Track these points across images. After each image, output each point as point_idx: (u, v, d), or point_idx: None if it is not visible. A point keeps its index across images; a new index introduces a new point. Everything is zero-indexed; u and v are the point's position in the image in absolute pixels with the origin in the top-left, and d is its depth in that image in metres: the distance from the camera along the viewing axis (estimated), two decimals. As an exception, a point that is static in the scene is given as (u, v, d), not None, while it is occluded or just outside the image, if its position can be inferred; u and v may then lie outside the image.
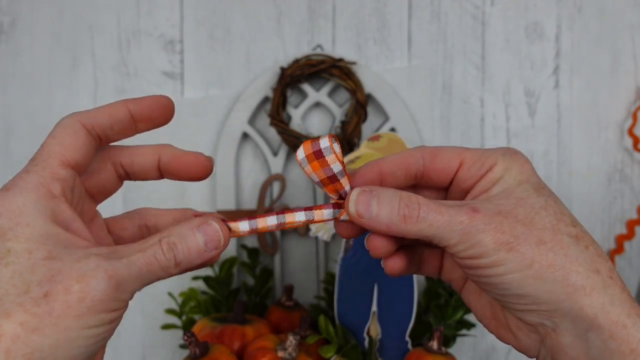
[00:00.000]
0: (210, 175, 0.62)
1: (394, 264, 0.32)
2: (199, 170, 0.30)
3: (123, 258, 0.25)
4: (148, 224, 0.31)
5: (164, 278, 0.26)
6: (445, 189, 0.31)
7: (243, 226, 0.29)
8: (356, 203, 0.28)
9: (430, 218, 0.27)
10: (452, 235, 0.27)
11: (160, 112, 0.30)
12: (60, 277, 0.23)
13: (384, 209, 0.28)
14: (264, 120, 0.59)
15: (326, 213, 0.29)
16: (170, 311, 0.54)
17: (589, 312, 0.26)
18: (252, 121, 0.59)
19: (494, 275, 0.27)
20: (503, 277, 0.27)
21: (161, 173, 0.30)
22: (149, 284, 0.26)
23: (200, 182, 0.59)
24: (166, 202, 0.59)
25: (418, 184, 0.31)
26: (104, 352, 0.27)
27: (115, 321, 0.25)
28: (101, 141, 0.28)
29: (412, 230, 0.27)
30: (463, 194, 0.30)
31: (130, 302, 0.26)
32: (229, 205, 0.58)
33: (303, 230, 0.56)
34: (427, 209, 0.27)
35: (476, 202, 0.28)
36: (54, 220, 0.25)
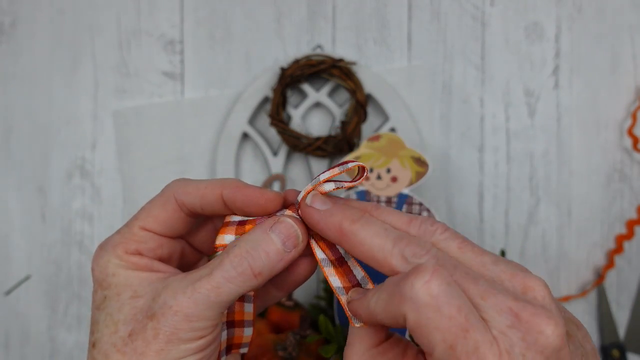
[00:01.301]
0: (210, 176, 0.61)
1: None
2: (265, 203, 0.27)
3: (188, 288, 0.25)
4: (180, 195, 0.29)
5: (247, 292, 0.26)
6: None
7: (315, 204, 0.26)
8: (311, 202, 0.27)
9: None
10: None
11: (254, 208, 0.27)
12: (140, 316, 0.25)
13: (327, 230, 0.26)
14: (264, 120, 0.59)
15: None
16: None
17: None
18: (252, 121, 0.59)
19: None
20: None
21: (228, 207, 0.28)
22: (228, 304, 0.26)
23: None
24: (166, 202, 0.59)
25: None
26: None
27: (205, 349, 0.26)
28: (193, 214, 0.29)
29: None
30: None
31: None
32: (229, 205, 0.58)
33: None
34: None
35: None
36: (134, 269, 0.27)
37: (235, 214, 0.28)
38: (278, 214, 0.27)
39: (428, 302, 0.21)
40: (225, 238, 0.28)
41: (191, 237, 0.31)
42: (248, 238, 0.26)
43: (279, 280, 0.29)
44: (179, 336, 0.24)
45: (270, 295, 0.31)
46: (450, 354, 0.20)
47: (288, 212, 0.27)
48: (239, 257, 0.25)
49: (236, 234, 0.27)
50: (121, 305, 0.26)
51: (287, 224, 0.26)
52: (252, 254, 0.25)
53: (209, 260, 0.28)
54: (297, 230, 0.26)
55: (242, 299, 0.29)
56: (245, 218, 0.28)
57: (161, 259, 0.28)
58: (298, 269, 0.29)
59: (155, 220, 0.28)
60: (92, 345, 0.26)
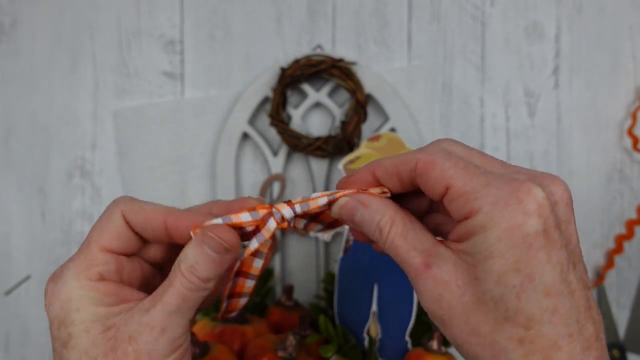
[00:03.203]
0: (210, 176, 0.61)
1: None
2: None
3: (157, 304, 0.26)
4: (168, 225, 0.29)
5: (205, 296, 0.27)
6: None
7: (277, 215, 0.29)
8: (339, 213, 0.29)
9: (390, 252, 0.27)
10: (405, 270, 0.27)
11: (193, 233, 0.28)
12: (117, 344, 0.26)
13: (364, 224, 0.28)
14: (264, 120, 0.59)
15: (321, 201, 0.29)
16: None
17: None
18: (252, 121, 0.59)
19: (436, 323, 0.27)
20: (440, 329, 0.27)
21: (171, 237, 0.29)
22: (196, 308, 0.27)
23: (200, 182, 0.59)
24: (166, 202, 0.59)
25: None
26: None
27: (180, 350, 0.27)
28: (142, 238, 0.29)
29: (381, 248, 0.28)
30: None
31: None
32: (229, 205, 0.58)
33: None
34: (390, 242, 0.27)
35: (437, 256, 0.26)
36: (99, 304, 0.27)
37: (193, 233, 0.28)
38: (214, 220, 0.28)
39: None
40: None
41: (145, 254, 0.31)
42: (187, 253, 0.27)
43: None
44: (160, 352, 0.26)
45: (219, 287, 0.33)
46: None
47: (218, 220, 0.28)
48: (187, 271, 0.26)
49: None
50: (94, 340, 0.26)
51: (212, 238, 0.27)
52: (195, 267, 0.27)
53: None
54: (221, 240, 0.27)
55: (254, 254, 0.30)
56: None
57: (124, 282, 0.29)
58: None
59: (111, 237, 0.28)
60: (62, 346, 0.26)
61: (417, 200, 0.30)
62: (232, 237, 0.28)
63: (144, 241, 0.30)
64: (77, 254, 0.28)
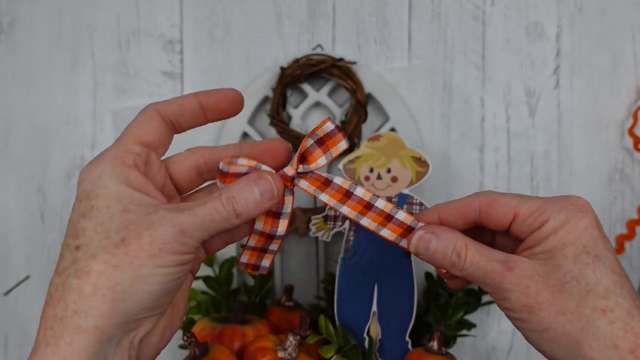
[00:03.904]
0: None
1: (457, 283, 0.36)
2: (229, 103, 0.33)
3: (186, 210, 0.29)
4: (206, 159, 0.34)
5: (228, 228, 0.30)
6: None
7: (302, 183, 0.33)
8: (416, 245, 0.33)
9: (471, 270, 0.31)
10: (487, 286, 0.31)
11: (228, 104, 0.33)
12: (134, 226, 0.28)
13: (439, 253, 0.32)
14: (263, 120, 0.59)
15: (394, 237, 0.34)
16: (170, 311, 0.54)
17: None
18: (252, 121, 0.59)
19: (518, 327, 0.31)
20: (525, 331, 0.31)
21: (205, 111, 0.33)
22: (213, 233, 0.30)
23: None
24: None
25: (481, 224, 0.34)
26: (185, 301, 0.33)
27: (185, 264, 0.29)
28: (175, 127, 0.33)
29: (459, 274, 0.32)
30: (518, 242, 0.32)
31: None
32: (229, 205, 0.58)
33: (303, 230, 0.56)
34: (470, 260, 0.31)
35: (514, 261, 0.31)
36: (127, 184, 0.29)
37: (223, 163, 0.32)
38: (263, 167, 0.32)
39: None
40: (218, 184, 0.33)
41: (173, 170, 0.34)
42: (235, 187, 0.30)
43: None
44: (171, 247, 0.28)
45: (239, 232, 0.36)
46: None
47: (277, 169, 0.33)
48: (226, 200, 0.29)
49: (220, 182, 0.32)
50: (112, 216, 0.28)
51: (267, 180, 0.30)
52: (236, 199, 0.29)
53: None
54: (274, 187, 0.31)
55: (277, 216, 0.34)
56: (233, 170, 0.32)
57: (153, 184, 0.31)
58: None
59: (146, 130, 0.32)
60: (76, 248, 0.28)
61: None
62: (280, 188, 0.31)
63: (174, 133, 0.34)
64: (114, 144, 0.31)
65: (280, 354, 0.45)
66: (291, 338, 0.45)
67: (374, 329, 0.50)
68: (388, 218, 0.34)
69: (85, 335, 0.27)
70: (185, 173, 0.34)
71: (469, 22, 0.59)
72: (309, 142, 0.33)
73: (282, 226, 0.35)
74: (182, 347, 0.57)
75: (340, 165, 0.51)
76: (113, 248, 0.27)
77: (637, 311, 0.29)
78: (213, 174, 0.34)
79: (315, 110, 0.59)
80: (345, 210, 0.34)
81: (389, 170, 0.50)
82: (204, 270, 0.57)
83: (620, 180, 0.59)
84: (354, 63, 0.57)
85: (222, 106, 0.33)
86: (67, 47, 0.60)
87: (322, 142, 0.33)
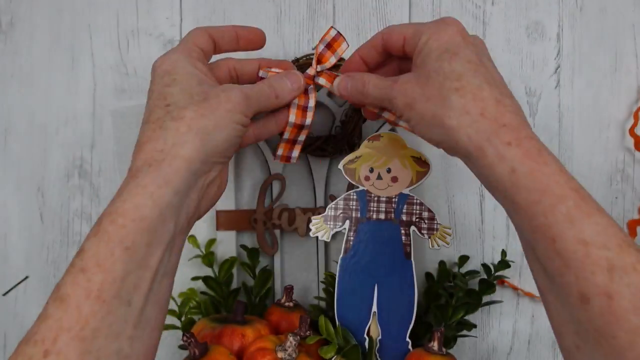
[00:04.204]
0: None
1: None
2: (257, 36, 0.45)
3: (245, 88, 0.39)
4: (236, 67, 0.44)
5: (269, 107, 0.42)
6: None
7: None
8: (337, 86, 0.44)
9: (372, 91, 0.41)
10: (384, 101, 0.40)
11: (256, 37, 0.44)
12: (211, 92, 0.37)
13: (352, 88, 0.43)
14: (263, 119, 0.59)
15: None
16: (169, 312, 0.54)
17: (460, 144, 0.35)
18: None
19: (410, 127, 0.39)
20: (413, 127, 0.38)
21: (239, 43, 0.44)
22: (262, 107, 0.41)
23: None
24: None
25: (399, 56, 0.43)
26: (227, 175, 0.42)
27: (245, 127, 0.39)
28: (215, 46, 0.43)
29: (367, 100, 0.42)
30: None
31: None
32: (229, 205, 0.57)
33: (303, 230, 0.56)
34: (368, 85, 0.41)
35: (400, 77, 0.39)
36: (197, 69, 0.39)
37: (262, 71, 0.45)
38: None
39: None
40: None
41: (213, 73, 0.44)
42: (274, 78, 0.43)
43: (279, 116, 0.45)
44: (240, 108, 0.38)
45: (269, 127, 0.45)
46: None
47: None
48: (268, 85, 0.42)
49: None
50: (191, 86, 0.37)
51: (295, 74, 0.44)
52: (274, 85, 0.42)
53: None
54: (300, 79, 0.44)
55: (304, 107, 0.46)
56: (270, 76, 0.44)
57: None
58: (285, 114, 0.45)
59: (202, 41, 0.41)
60: (166, 105, 0.36)
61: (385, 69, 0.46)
62: (303, 82, 0.44)
63: (213, 53, 0.43)
64: (179, 46, 0.40)
65: (280, 355, 0.45)
66: (291, 338, 0.45)
67: (374, 329, 0.50)
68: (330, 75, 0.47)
69: (181, 161, 0.34)
70: (222, 74, 0.44)
71: (470, 21, 0.59)
72: (320, 47, 0.45)
73: (309, 118, 0.46)
74: (181, 347, 0.56)
75: (340, 166, 0.51)
76: (198, 102, 0.36)
77: (487, 85, 0.35)
78: (240, 79, 0.45)
79: (315, 110, 0.59)
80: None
81: (389, 170, 0.50)
82: (204, 271, 0.57)
83: (621, 180, 0.59)
84: (354, 63, 0.56)
85: (252, 38, 0.44)
86: (66, 47, 0.60)
87: (330, 45, 0.45)
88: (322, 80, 0.46)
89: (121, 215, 0.31)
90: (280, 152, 0.49)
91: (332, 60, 0.46)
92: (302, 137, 0.48)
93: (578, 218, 0.31)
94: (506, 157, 0.32)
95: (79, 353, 0.28)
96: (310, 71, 0.45)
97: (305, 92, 0.46)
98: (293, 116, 0.46)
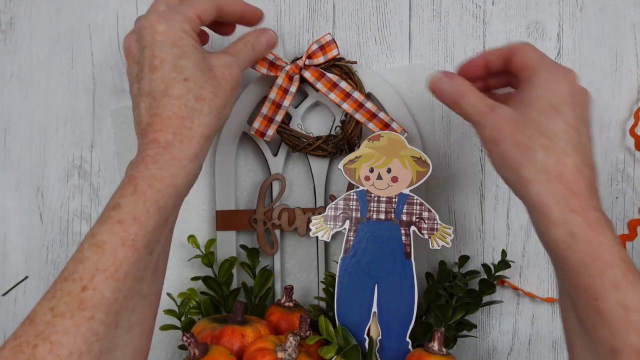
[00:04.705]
0: (209, 175, 0.61)
1: None
2: (259, 14, 0.49)
3: (235, 56, 0.45)
4: (223, 6, 0.46)
5: (251, 63, 0.48)
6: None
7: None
8: (435, 81, 0.44)
9: (464, 106, 0.41)
10: (473, 121, 0.41)
11: (258, 13, 0.49)
12: (216, 69, 0.42)
13: (445, 91, 0.43)
14: (263, 119, 0.59)
15: None
16: (169, 312, 0.54)
17: (528, 197, 0.37)
18: (251, 121, 0.58)
19: (489, 156, 0.40)
20: (490, 159, 0.40)
21: (243, 16, 0.48)
22: (246, 62, 0.46)
23: (200, 181, 0.59)
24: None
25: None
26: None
27: (235, 96, 0.48)
28: (219, 14, 0.45)
29: (453, 108, 0.42)
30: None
31: None
32: (229, 205, 0.57)
33: (303, 230, 0.56)
34: (465, 100, 0.41)
35: (498, 106, 0.40)
36: (196, 41, 0.42)
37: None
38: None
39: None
40: None
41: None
42: (250, 35, 0.48)
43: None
44: (239, 84, 0.44)
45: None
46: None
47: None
48: (245, 42, 0.47)
49: None
50: (199, 59, 0.41)
51: (269, 33, 0.49)
52: (254, 46, 0.47)
53: None
54: (274, 37, 0.49)
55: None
56: None
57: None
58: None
59: (208, 9, 0.44)
60: (184, 80, 0.39)
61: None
62: (276, 40, 0.50)
63: (216, 20, 0.46)
64: (179, 14, 0.42)
65: (280, 355, 0.45)
66: (291, 339, 0.45)
67: (374, 329, 0.50)
68: (373, 115, 0.53)
69: (204, 138, 0.40)
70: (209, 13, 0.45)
71: (470, 21, 0.59)
72: (314, 46, 0.52)
73: (287, 100, 0.52)
74: (181, 347, 0.56)
75: (340, 166, 0.51)
76: (210, 80, 0.41)
77: (574, 153, 0.37)
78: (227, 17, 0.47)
79: (315, 110, 0.59)
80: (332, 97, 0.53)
81: (389, 170, 0.50)
82: (204, 271, 0.57)
83: (621, 180, 0.59)
84: (354, 62, 0.56)
85: (257, 14, 0.49)
86: (66, 47, 0.60)
87: (323, 47, 0.52)
88: (307, 74, 0.51)
89: (158, 181, 0.36)
90: (256, 125, 0.54)
91: (321, 60, 0.52)
92: (278, 117, 0.53)
93: (624, 285, 0.33)
94: (568, 221, 0.35)
95: (112, 290, 0.32)
96: (299, 62, 0.52)
97: (291, 78, 0.52)
98: (274, 94, 0.52)
